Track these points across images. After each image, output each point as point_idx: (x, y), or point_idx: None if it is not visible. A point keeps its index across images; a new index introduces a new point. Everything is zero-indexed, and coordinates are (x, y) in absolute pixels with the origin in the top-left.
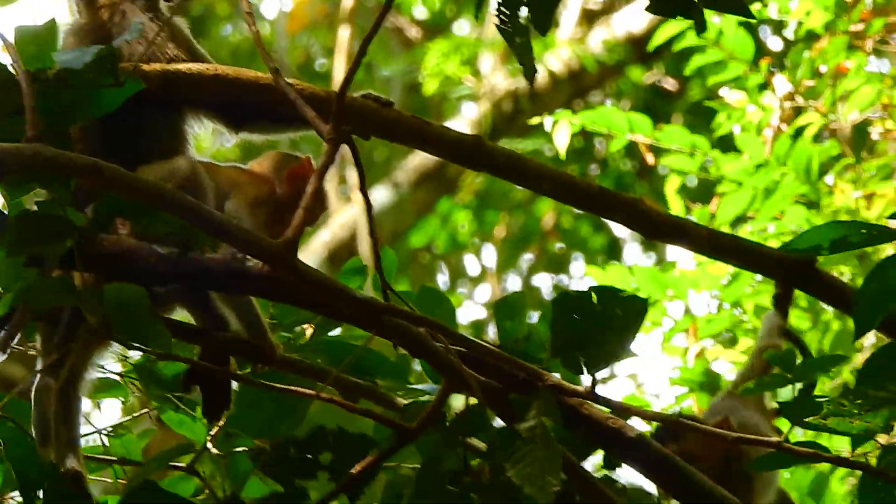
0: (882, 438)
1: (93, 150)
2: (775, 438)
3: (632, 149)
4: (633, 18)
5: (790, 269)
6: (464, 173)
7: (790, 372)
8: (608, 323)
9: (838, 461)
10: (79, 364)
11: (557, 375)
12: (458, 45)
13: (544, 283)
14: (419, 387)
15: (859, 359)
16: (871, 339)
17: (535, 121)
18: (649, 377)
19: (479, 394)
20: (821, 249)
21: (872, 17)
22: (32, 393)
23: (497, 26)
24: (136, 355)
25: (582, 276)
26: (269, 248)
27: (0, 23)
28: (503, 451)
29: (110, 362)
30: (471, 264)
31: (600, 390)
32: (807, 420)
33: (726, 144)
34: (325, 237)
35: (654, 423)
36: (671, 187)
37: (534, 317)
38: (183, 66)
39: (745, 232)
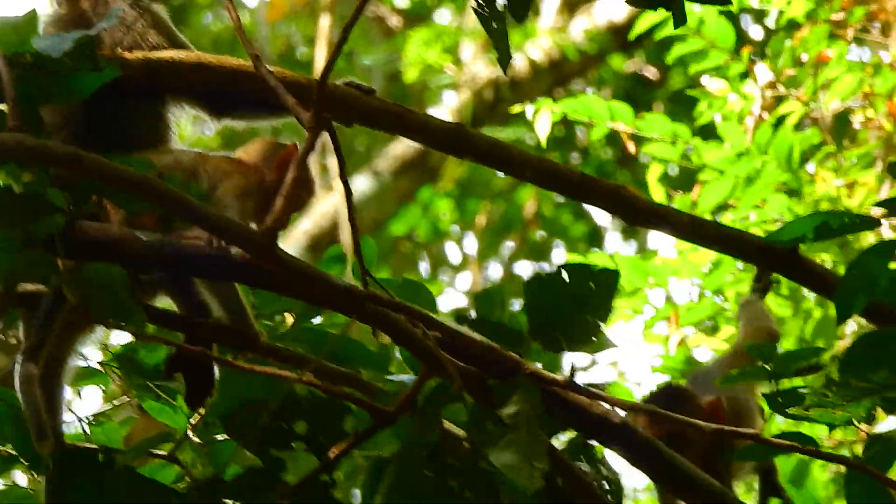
0: (864, 427)
1: (76, 139)
2: (753, 431)
3: (613, 137)
4: (615, 7)
5: (773, 256)
6: (445, 162)
7: (769, 363)
8: (582, 298)
9: (816, 454)
10: (61, 351)
11: (539, 365)
12: (439, 34)
13: (526, 271)
14: (398, 378)
15: (841, 347)
16: (852, 326)
17: (516, 109)
18: (631, 365)
19: (457, 379)
20: (804, 238)
21: (853, 6)
22: (17, 383)
23: (475, 11)
24: (117, 343)
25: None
26: (250, 237)
27: None
28: (482, 435)
29: (91, 350)
30: (452, 252)
31: (581, 378)
32: (789, 410)
33: (708, 133)
34: (306, 226)
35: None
36: (653, 176)
37: (515, 305)
38: (165, 55)
39: (726, 220)
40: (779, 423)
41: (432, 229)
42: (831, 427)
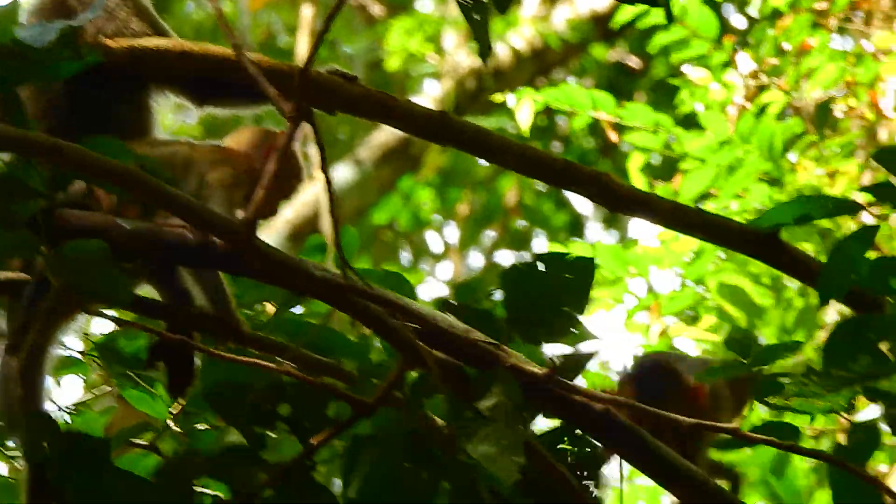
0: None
1: (59, 128)
2: (732, 426)
3: (595, 126)
4: None
5: (755, 242)
6: (427, 151)
7: (746, 357)
8: (559, 288)
9: (794, 449)
10: (42, 340)
11: (521, 356)
12: (422, 23)
13: (507, 260)
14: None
15: (823, 337)
16: (833, 316)
17: (498, 98)
18: (612, 355)
19: (435, 370)
20: (785, 225)
21: None
22: None
23: (457, 0)
24: (97, 332)
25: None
26: (228, 228)
27: None
28: (460, 427)
29: (72, 339)
30: (433, 242)
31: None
32: (770, 400)
33: (690, 122)
34: (287, 215)
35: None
36: (634, 165)
37: (497, 295)
38: (149, 43)
39: (708, 209)
40: (760, 413)
41: (414, 218)
42: (813, 416)
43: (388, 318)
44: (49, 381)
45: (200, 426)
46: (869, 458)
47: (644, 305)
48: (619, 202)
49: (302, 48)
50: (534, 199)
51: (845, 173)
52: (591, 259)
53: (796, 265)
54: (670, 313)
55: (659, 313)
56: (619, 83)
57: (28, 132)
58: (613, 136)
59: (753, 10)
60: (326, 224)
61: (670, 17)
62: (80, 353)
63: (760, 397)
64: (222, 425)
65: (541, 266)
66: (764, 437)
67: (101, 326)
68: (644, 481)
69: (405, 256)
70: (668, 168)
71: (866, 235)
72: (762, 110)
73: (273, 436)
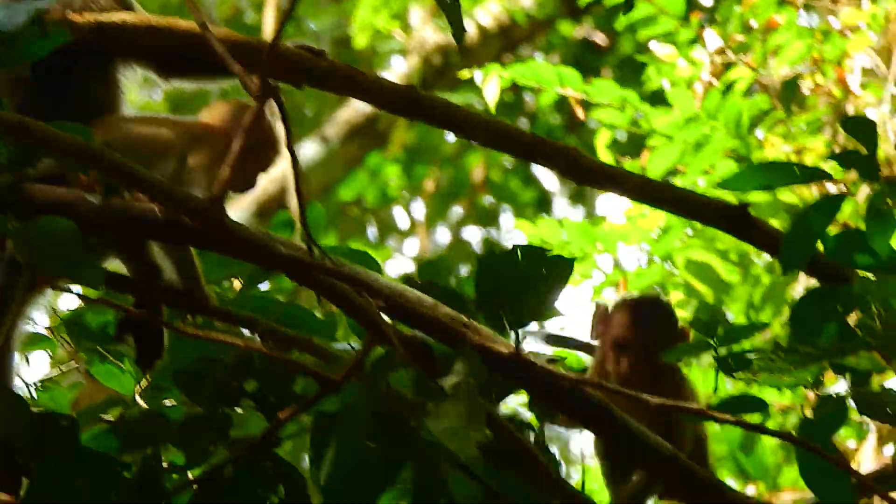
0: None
1: (25, 105)
2: (698, 406)
3: (562, 103)
4: None
5: (723, 216)
6: (393, 127)
7: (712, 338)
8: (533, 281)
9: (760, 430)
10: (12, 317)
11: (489, 331)
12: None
13: (474, 236)
14: (341, 346)
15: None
16: (801, 292)
17: (464, 75)
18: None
19: (399, 348)
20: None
21: None
22: None
23: None
24: (64, 308)
25: (512, 229)
26: (195, 205)
27: None
28: (422, 403)
29: (39, 315)
30: (400, 218)
31: (529, 344)
32: (738, 375)
33: (657, 99)
34: (254, 192)
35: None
36: (601, 141)
37: (463, 271)
38: (116, 17)
39: None
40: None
41: (380, 195)
42: (780, 391)
43: (354, 295)
44: (17, 358)
45: (168, 402)
46: (835, 432)
47: (611, 282)
48: (587, 176)
49: (269, 24)
50: (501, 176)
51: (812, 150)
52: (571, 259)
53: (766, 240)
54: (638, 289)
55: (626, 289)
56: (586, 59)
57: None
58: (580, 112)
59: None
60: (293, 201)
61: (631, 4)
62: (47, 328)
63: (729, 371)
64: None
65: (519, 255)
66: (731, 417)
67: (68, 301)
68: None
69: (372, 233)
70: (635, 145)
71: (829, 204)
72: (729, 87)
73: (239, 412)
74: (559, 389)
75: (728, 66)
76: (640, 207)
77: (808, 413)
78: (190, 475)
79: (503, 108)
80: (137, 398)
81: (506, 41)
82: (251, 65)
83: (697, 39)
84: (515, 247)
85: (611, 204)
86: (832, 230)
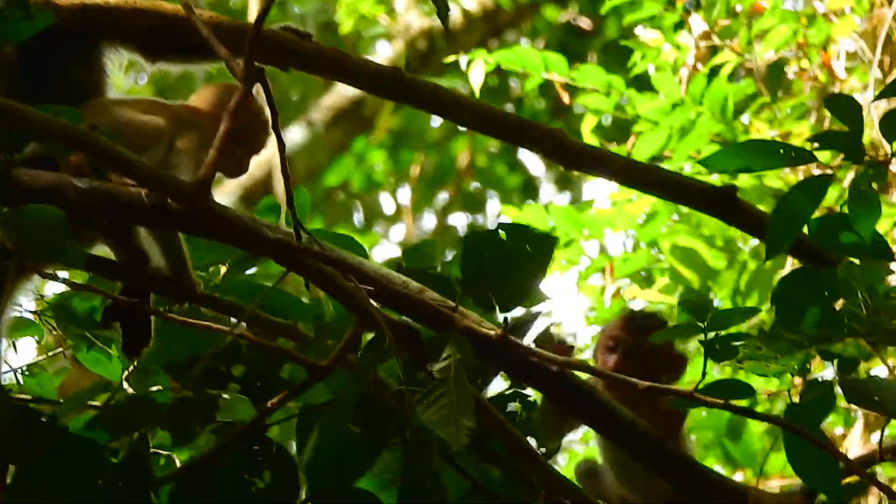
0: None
1: (11, 89)
2: (688, 389)
3: (547, 88)
4: None
5: (710, 199)
6: (379, 112)
7: (702, 321)
8: (518, 260)
9: (749, 413)
10: (2, 303)
11: (476, 315)
12: None
13: (460, 221)
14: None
15: None
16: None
17: (449, 59)
18: (566, 316)
19: (388, 333)
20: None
21: None
22: None
23: None
24: (51, 292)
25: (498, 214)
26: (181, 190)
27: None
28: (411, 390)
29: (26, 301)
30: (386, 203)
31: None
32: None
33: (642, 84)
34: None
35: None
36: (587, 126)
37: (449, 256)
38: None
39: None
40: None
41: (366, 180)
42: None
43: (341, 279)
44: (4, 344)
45: (155, 387)
46: (823, 418)
47: (597, 267)
48: (574, 159)
49: (253, 8)
50: (487, 161)
51: (798, 135)
52: (554, 236)
53: (752, 223)
54: (623, 275)
55: (612, 275)
56: (571, 44)
57: None
58: (565, 97)
59: None
60: (279, 185)
61: None
62: (33, 313)
63: (716, 358)
64: (177, 386)
65: (502, 234)
66: (719, 401)
67: (54, 286)
68: None
69: (358, 218)
70: (620, 130)
71: (815, 185)
72: (714, 72)
73: (226, 397)
74: (546, 373)
75: (713, 50)
76: (626, 192)
77: (796, 399)
78: (177, 459)
79: (488, 93)
80: (125, 384)
81: (490, 26)
82: (237, 48)
83: (682, 24)
84: (499, 225)
85: (597, 190)
86: (817, 215)
